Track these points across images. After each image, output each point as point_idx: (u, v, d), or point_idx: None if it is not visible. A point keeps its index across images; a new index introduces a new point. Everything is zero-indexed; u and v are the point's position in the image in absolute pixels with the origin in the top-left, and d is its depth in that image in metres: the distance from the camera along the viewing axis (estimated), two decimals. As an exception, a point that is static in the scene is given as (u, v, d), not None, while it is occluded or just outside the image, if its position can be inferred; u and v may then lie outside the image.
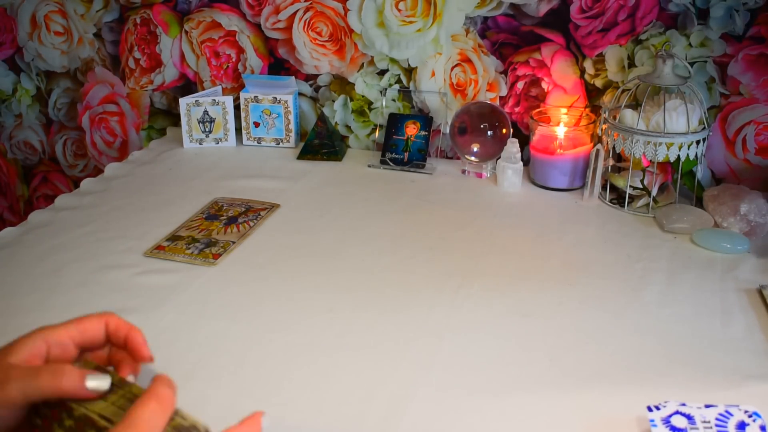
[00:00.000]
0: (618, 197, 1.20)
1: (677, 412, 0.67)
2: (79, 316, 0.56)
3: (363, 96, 1.44)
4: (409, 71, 1.39)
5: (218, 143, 1.46)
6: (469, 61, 1.35)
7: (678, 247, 1.07)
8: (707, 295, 0.94)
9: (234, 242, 1.08)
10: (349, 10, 1.38)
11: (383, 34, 1.37)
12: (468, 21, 1.33)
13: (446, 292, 0.95)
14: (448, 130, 1.36)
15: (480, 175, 1.31)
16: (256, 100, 1.44)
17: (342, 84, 1.45)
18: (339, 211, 1.19)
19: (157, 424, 0.48)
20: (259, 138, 1.46)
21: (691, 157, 1.14)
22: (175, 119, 1.60)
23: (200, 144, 1.46)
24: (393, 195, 1.25)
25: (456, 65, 1.36)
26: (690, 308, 0.92)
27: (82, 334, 0.55)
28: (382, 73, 1.41)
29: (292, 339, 0.85)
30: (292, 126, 1.44)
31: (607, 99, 1.28)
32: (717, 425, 0.66)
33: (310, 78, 1.48)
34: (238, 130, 1.47)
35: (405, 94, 1.41)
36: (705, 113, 1.15)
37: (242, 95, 1.44)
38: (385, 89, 1.42)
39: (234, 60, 1.51)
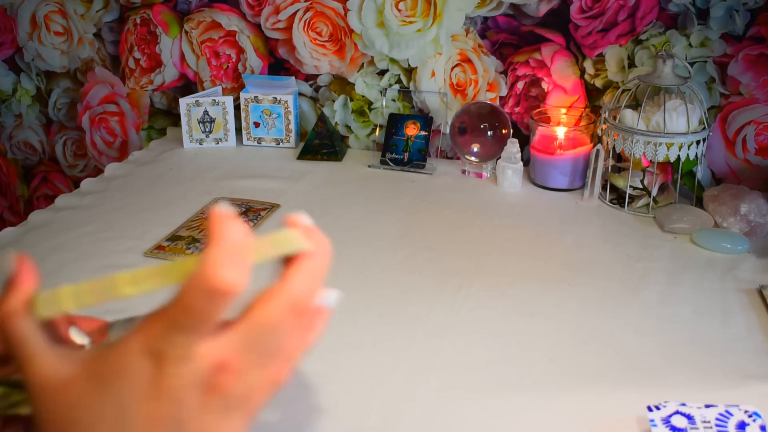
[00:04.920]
0: (618, 197, 1.20)
1: (677, 412, 0.67)
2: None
3: (363, 96, 1.44)
4: (409, 71, 1.39)
5: (218, 143, 1.46)
6: (469, 61, 1.35)
7: (678, 247, 1.07)
8: (707, 295, 0.94)
9: (234, 242, 1.08)
10: (349, 10, 1.38)
11: (383, 34, 1.37)
12: (468, 21, 1.33)
13: (446, 292, 0.95)
14: (448, 130, 1.36)
15: (480, 175, 1.31)
16: (256, 100, 1.44)
17: (342, 84, 1.45)
18: (339, 211, 1.19)
19: (207, 318, 0.36)
20: (259, 138, 1.46)
21: (691, 157, 1.14)
22: (175, 119, 1.60)
23: (200, 144, 1.46)
24: (393, 195, 1.25)
25: (456, 65, 1.36)
26: (690, 308, 0.92)
27: None
28: (382, 73, 1.41)
29: (292, 339, 0.85)
30: (292, 126, 1.44)
31: (607, 99, 1.28)
32: (717, 425, 0.66)
33: (310, 78, 1.48)
34: (238, 130, 1.47)
35: (405, 94, 1.41)
36: (705, 113, 1.15)
37: (242, 95, 1.44)
38: (385, 89, 1.42)
39: (234, 60, 1.51)
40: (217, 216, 0.36)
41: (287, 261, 0.40)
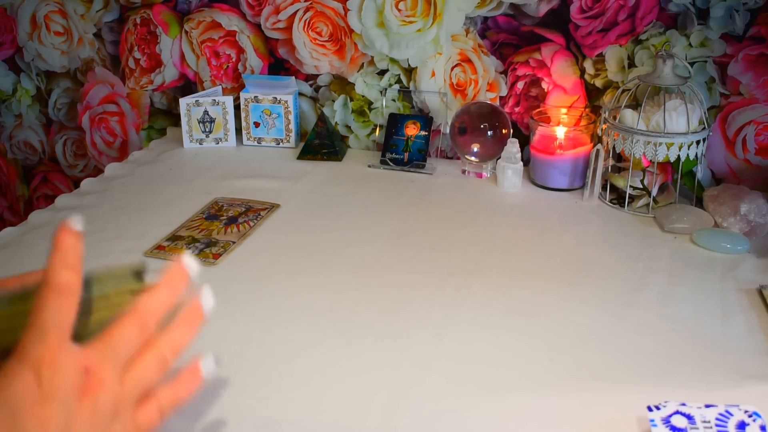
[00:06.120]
0: (618, 197, 1.20)
1: (677, 412, 0.67)
2: None
3: (363, 96, 1.44)
4: (409, 71, 1.39)
5: (218, 143, 1.46)
6: (469, 61, 1.35)
7: (678, 247, 1.07)
8: (707, 295, 0.94)
9: (234, 242, 1.08)
10: (349, 10, 1.38)
11: (383, 34, 1.37)
12: (468, 21, 1.33)
13: (446, 292, 0.95)
14: (448, 130, 1.36)
15: (480, 175, 1.31)
16: (256, 100, 1.44)
17: (342, 84, 1.45)
18: (339, 211, 1.19)
19: (62, 320, 0.43)
20: (259, 138, 1.46)
21: (691, 157, 1.14)
22: (175, 119, 1.60)
23: (200, 144, 1.46)
24: (393, 195, 1.25)
25: (456, 65, 1.36)
26: (690, 308, 0.92)
27: None
28: (382, 73, 1.41)
29: (292, 339, 0.85)
30: (292, 126, 1.44)
31: (607, 99, 1.28)
32: (717, 425, 0.66)
33: (310, 78, 1.48)
34: (238, 130, 1.47)
35: (405, 94, 1.41)
36: (705, 113, 1.15)
37: (242, 95, 1.44)
38: (385, 89, 1.42)
39: (234, 60, 1.51)
40: (60, 231, 0.45)
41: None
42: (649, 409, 0.68)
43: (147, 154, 1.45)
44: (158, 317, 0.48)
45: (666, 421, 0.67)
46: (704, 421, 0.66)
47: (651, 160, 1.15)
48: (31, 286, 0.46)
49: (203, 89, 1.54)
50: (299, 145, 1.45)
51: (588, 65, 1.29)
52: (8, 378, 0.42)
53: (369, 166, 1.37)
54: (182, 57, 1.54)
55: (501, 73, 1.35)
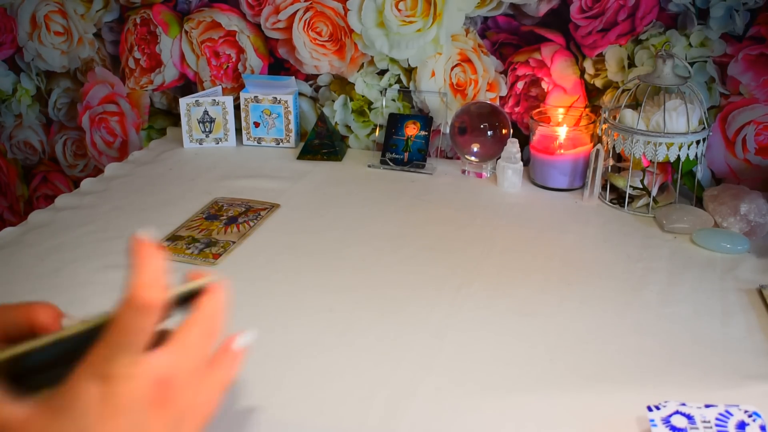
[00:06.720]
0: (618, 197, 1.20)
1: (677, 412, 0.67)
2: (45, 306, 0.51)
3: (363, 96, 1.44)
4: (409, 71, 1.39)
5: (218, 143, 1.46)
6: (469, 61, 1.35)
7: (678, 247, 1.07)
8: (707, 295, 0.94)
9: (234, 242, 1.08)
10: (349, 10, 1.38)
11: (383, 34, 1.37)
12: (468, 21, 1.33)
13: (446, 292, 0.95)
14: (448, 130, 1.36)
15: (480, 175, 1.31)
16: (256, 100, 1.44)
17: (342, 84, 1.45)
18: (339, 211, 1.19)
19: (141, 339, 0.42)
20: (259, 138, 1.46)
21: (691, 157, 1.14)
22: (175, 119, 1.60)
23: (200, 144, 1.46)
24: (393, 195, 1.25)
25: (456, 65, 1.36)
26: (690, 308, 0.92)
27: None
28: (382, 73, 1.41)
29: (292, 338, 0.85)
30: (292, 126, 1.44)
31: (607, 99, 1.28)
32: (717, 425, 0.66)
33: (310, 78, 1.48)
34: (238, 130, 1.47)
35: (405, 94, 1.41)
36: (705, 113, 1.16)
37: (242, 95, 1.44)
38: (385, 89, 1.42)
39: (234, 60, 1.51)
40: (138, 245, 0.43)
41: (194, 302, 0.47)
42: (649, 409, 0.68)
43: (147, 154, 1.45)
44: (222, 319, 0.48)
45: (666, 421, 0.67)
46: (704, 421, 0.66)
47: (651, 160, 1.15)
48: (93, 319, 0.45)
49: (203, 89, 1.54)
50: (299, 145, 1.45)
51: (588, 65, 1.29)
52: (75, 392, 0.41)
53: (369, 166, 1.37)
54: (182, 57, 1.54)
55: (501, 73, 1.35)
